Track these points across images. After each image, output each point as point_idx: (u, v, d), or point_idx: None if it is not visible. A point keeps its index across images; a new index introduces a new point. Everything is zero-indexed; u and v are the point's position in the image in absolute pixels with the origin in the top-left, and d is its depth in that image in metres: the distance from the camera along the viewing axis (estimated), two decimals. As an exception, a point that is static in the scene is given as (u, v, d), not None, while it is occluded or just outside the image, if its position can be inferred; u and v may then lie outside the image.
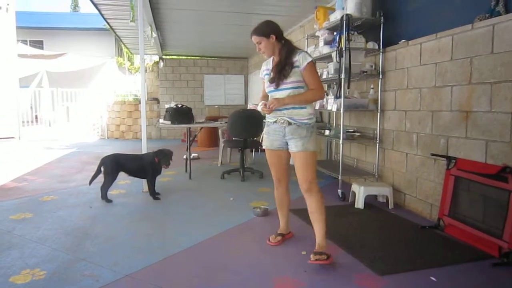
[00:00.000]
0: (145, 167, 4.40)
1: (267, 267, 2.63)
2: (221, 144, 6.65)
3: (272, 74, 2.75)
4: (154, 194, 4.45)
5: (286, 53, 2.67)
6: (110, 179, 4.32)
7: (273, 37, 2.67)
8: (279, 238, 3.03)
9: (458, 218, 3.18)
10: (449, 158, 3.30)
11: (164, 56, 11.77)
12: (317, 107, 5.20)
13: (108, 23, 7.36)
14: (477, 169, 3.02)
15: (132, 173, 4.53)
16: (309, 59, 2.61)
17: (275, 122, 2.75)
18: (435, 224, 3.37)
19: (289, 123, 2.68)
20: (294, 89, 2.65)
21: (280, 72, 2.65)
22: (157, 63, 12.18)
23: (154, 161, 4.39)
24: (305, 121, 2.66)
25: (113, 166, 4.32)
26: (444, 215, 3.29)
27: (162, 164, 4.39)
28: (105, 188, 4.32)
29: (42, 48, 17.11)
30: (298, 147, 2.66)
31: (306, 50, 2.65)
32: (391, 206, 4.01)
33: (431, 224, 3.41)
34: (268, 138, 2.84)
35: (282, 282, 2.40)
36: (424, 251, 2.88)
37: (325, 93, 2.57)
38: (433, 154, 3.51)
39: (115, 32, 8.43)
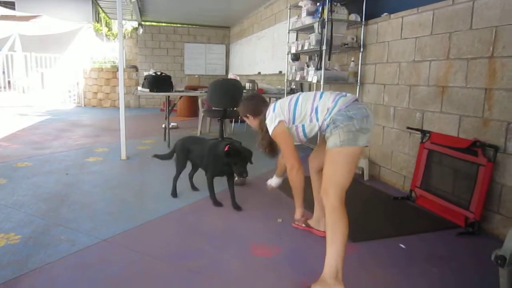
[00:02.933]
0: (208, 156, 3.18)
1: (243, 233, 2.68)
2: (201, 114, 6.60)
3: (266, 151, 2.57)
4: (234, 201, 3.18)
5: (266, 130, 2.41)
6: (177, 167, 3.44)
7: (249, 116, 2.62)
8: (300, 222, 2.76)
9: (429, 190, 3.29)
10: (423, 132, 3.39)
11: (143, 23, 11.42)
12: (297, 79, 5.20)
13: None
14: (450, 143, 3.12)
15: (196, 163, 3.48)
16: (271, 127, 2.32)
17: None
18: (407, 195, 3.48)
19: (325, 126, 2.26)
20: (305, 127, 2.31)
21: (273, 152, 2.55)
22: (136, 29, 11.82)
23: (221, 154, 3.01)
24: (325, 123, 2.17)
25: (181, 152, 3.40)
26: (416, 187, 3.41)
27: (235, 170, 3.02)
28: (174, 179, 3.46)
29: (13, 9, 16.30)
30: (327, 134, 2.19)
31: (269, 110, 2.38)
32: (366, 177, 4.12)
33: (403, 195, 3.53)
34: None
35: (258, 248, 2.46)
36: (395, 221, 2.99)
37: (296, 162, 2.34)
38: (408, 128, 3.59)
39: (91, -5, 8.09)
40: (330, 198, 2.00)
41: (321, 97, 2.23)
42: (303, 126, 2.27)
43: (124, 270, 2.15)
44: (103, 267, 2.17)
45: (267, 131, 2.38)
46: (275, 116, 2.30)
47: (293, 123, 2.29)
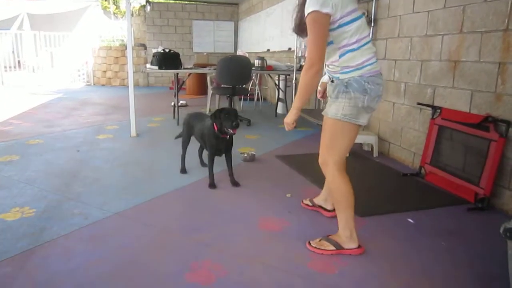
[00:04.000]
0: (204, 133, 3.14)
1: (252, 207, 2.71)
2: (210, 92, 6.59)
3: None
4: (232, 178, 3.17)
5: None
6: (182, 143, 3.47)
7: None
8: (307, 201, 2.73)
9: (438, 166, 3.28)
10: (434, 108, 3.35)
11: (151, 0, 11.30)
12: (306, 55, 5.13)
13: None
14: (461, 119, 3.08)
15: (198, 139, 3.37)
16: (312, 8, 1.83)
17: None
18: (417, 171, 3.47)
19: (331, 80, 2.10)
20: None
21: (298, 25, 2.07)
22: (143, 7, 11.71)
23: (213, 129, 2.99)
24: (337, 75, 2.00)
25: (185, 128, 3.42)
26: (425, 163, 3.39)
27: (226, 127, 2.90)
28: (182, 156, 3.50)
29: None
30: (326, 108, 2.10)
31: None
32: (375, 154, 4.10)
33: (413, 172, 3.51)
34: None
35: (267, 221, 2.49)
36: (404, 196, 2.99)
37: (319, 62, 1.88)
38: (419, 103, 3.54)
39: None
40: (330, 168, 2.07)
41: (365, 44, 1.95)
42: (331, 42, 1.95)
43: (135, 242, 2.20)
44: (115, 239, 2.22)
45: (303, 3, 1.93)
46: (328, 4, 1.82)
47: (331, 31, 1.91)
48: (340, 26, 1.89)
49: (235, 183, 3.14)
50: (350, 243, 2.10)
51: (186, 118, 3.42)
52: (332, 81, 2.05)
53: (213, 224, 2.44)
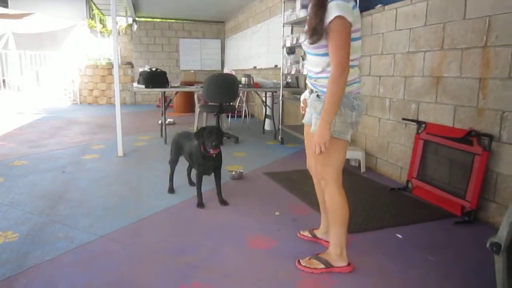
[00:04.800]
0: (192, 153, 3.12)
1: (241, 227, 2.69)
2: (197, 109, 6.59)
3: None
4: (220, 197, 3.15)
5: None
6: (170, 163, 3.46)
7: None
8: (306, 233, 2.53)
9: (425, 180, 3.31)
10: (419, 123, 3.40)
11: (137, 19, 11.36)
12: (293, 72, 5.19)
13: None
14: (445, 133, 3.13)
15: (187, 159, 3.33)
16: (337, 13, 1.79)
17: None
18: (404, 186, 3.50)
19: (311, 90, 2.10)
20: (318, 56, 1.97)
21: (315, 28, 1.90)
22: (130, 25, 11.76)
23: (200, 148, 2.98)
24: (325, 89, 1.93)
25: (174, 148, 3.40)
26: (412, 178, 3.42)
27: (208, 147, 2.90)
28: (170, 176, 3.47)
29: (6, 7, 16.14)
30: (313, 127, 2.05)
31: None
32: (363, 169, 4.13)
33: (400, 186, 3.54)
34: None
35: (256, 240, 2.47)
36: (392, 211, 3.00)
37: (348, 68, 1.86)
38: (404, 119, 3.60)
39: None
40: (329, 183, 2.08)
41: (357, 65, 2.02)
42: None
43: (122, 266, 2.15)
44: (101, 263, 2.18)
45: (321, 7, 1.85)
46: (351, 14, 1.83)
47: None
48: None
49: (223, 202, 3.11)
50: (340, 261, 2.09)
51: (175, 137, 3.40)
52: (318, 96, 2.00)
53: (202, 244, 2.41)
